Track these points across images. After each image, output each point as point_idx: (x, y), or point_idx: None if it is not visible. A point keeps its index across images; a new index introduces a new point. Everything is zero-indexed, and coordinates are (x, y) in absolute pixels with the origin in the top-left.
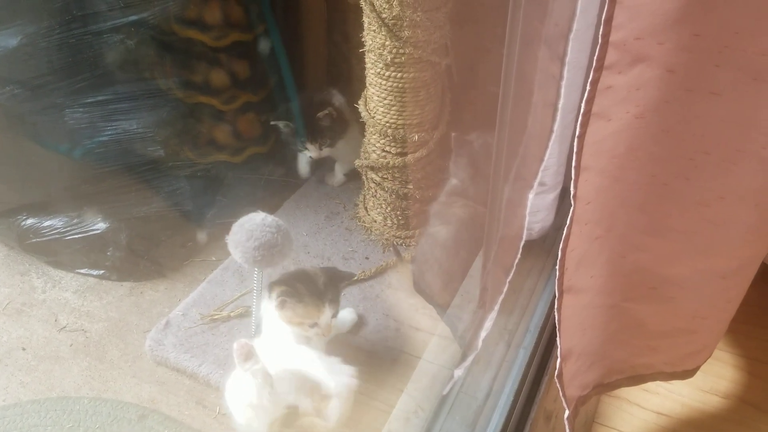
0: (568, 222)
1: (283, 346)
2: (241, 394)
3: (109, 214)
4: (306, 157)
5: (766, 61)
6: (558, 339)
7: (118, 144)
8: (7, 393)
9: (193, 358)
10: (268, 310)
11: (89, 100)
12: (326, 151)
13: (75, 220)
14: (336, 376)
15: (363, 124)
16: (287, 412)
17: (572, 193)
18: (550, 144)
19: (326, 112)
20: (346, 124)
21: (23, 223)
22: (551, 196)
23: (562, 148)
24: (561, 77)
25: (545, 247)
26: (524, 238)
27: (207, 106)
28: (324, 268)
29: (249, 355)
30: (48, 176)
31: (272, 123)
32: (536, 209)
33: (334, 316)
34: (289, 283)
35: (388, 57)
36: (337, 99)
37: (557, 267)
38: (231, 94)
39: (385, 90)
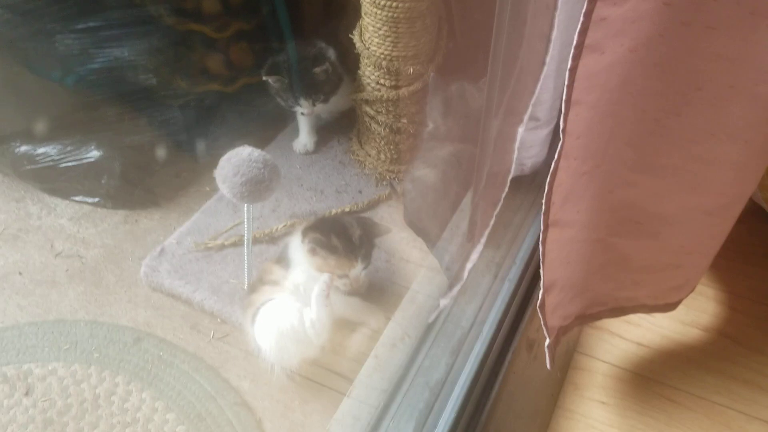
0: (556, 156)
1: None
2: (288, 327)
3: (102, 143)
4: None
5: None
6: (542, 271)
7: (110, 72)
8: (5, 315)
9: (188, 284)
10: (299, 251)
11: (80, 27)
12: (319, 107)
13: (69, 148)
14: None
15: (353, 79)
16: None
17: (561, 127)
18: (542, 77)
19: (324, 67)
20: (340, 79)
21: (17, 150)
22: (545, 132)
23: (558, 82)
24: (555, 7)
25: (537, 183)
26: (512, 172)
27: (198, 33)
28: (361, 219)
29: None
30: (41, 103)
31: (264, 78)
32: (529, 144)
33: (365, 268)
34: (323, 232)
35: None
36: (331, 53)
37: (544, 201)
38: (223, 22)
39: (380, 20)
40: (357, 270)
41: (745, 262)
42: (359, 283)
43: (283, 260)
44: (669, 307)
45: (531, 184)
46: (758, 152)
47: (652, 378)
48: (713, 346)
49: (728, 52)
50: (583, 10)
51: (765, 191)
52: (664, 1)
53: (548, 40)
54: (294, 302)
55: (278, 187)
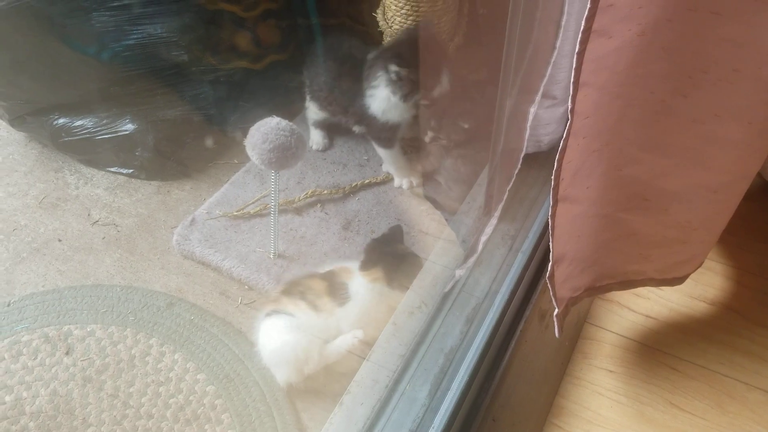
0: (565, 135)
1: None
2: (301, 349)
3: (136, 116)
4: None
5: None
6: (551, 244)
7: (144, 48)
8: (45, 280)
9: (217, 252)
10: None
11: (115, 4)
12: None
13: (104, 121)
14: None
15: None
16: None
17: (570, 107)
18: (554, 60)
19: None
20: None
21: (55, 122)
22: (561, 109)
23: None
24: None
25: (552, 159)
26: (525, 150)
27: (228, 12)
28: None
29: None
30: (77, 77)
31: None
32: (546, 122)
33: None
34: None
35: None
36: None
37: (553, 177)
38: (251, 1)
39: None
40: None
41: (755, 239)
42: None
43: (335, 289)
44: (676, 281)
45: (546, 160)
46: (760, 133)
47: (658, 348)
48: (718, 320)
49: (733, 37)
50: None
51: None
52: None
53: (558, 26)
54: (315, 332)
55: (304, 156)
